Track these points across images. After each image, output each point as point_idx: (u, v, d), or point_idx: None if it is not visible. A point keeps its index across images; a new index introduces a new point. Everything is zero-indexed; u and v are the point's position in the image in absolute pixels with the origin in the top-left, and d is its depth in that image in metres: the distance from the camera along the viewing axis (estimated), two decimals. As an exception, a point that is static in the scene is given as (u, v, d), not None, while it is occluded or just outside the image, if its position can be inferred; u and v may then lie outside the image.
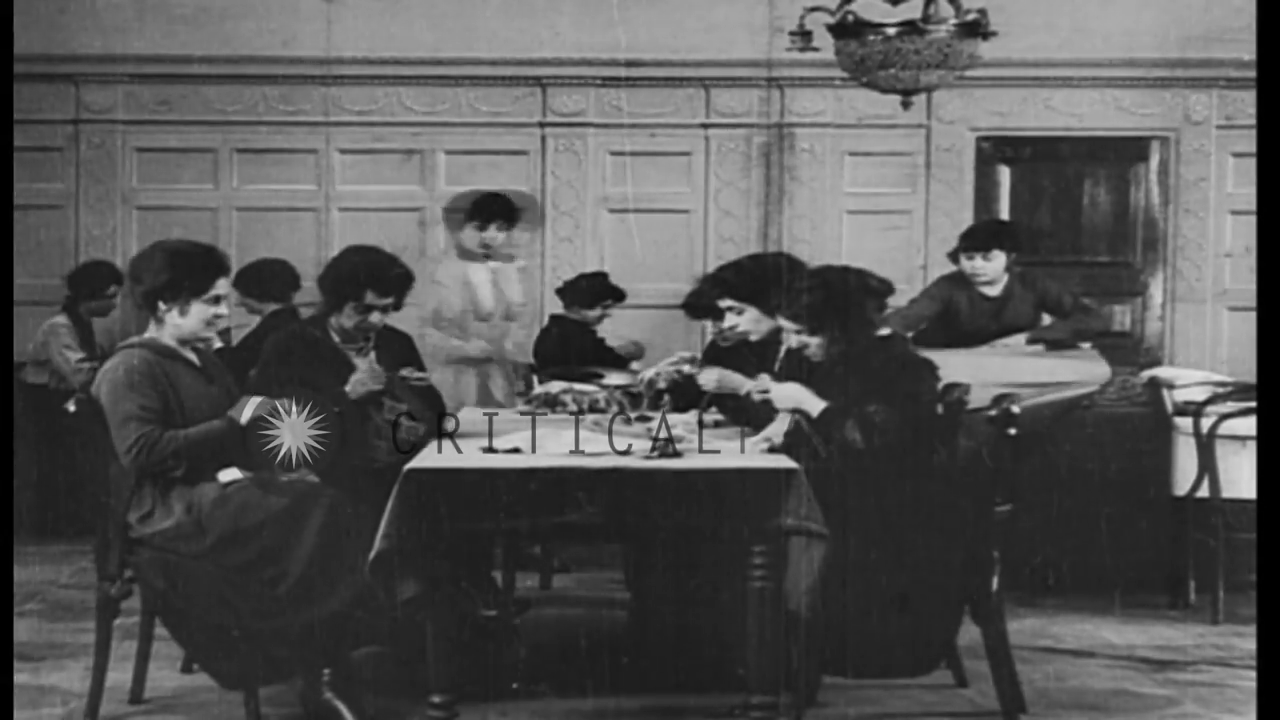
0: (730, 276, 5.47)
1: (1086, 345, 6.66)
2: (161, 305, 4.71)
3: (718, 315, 5.54)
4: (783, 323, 4.93)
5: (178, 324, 4.71)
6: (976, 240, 6.80)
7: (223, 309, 4.77)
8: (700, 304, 5.82)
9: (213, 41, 8.27)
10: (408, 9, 8.30)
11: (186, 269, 4.70)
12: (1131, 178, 8.57)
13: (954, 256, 6.90)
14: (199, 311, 4.71)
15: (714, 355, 5.56)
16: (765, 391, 4.84)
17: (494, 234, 6.88)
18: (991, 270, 6.69)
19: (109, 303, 7.81)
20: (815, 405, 4.70)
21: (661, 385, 5.46)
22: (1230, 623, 5.92)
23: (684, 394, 5.46)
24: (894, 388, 4.68)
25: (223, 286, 4.76)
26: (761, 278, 5.34)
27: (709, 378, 5.30)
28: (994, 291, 6.73)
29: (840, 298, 4.79)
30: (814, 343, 4.82)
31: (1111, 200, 8.59)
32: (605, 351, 7.40)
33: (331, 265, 5.34)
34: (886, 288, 4.94)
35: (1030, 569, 6.15)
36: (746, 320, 5.37)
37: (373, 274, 5.22)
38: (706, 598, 4.92)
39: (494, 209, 6.93)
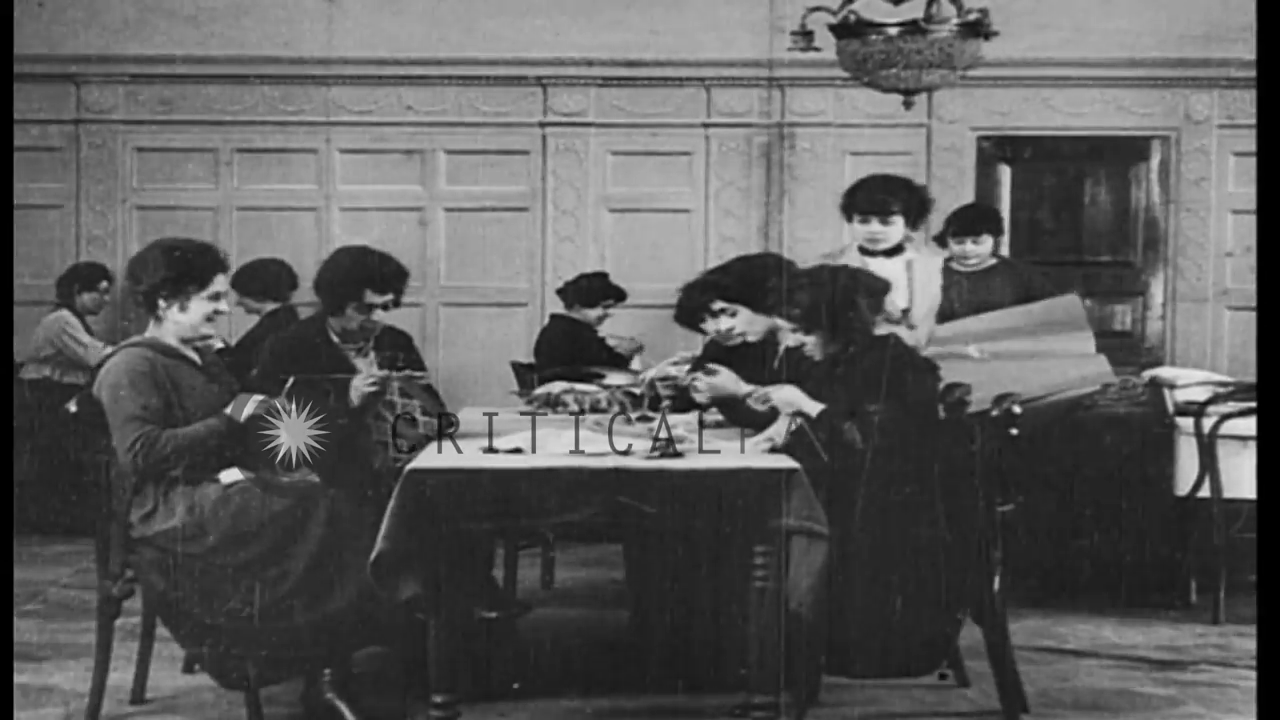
0: (720, 279, 5.46)
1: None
2: (161, 303, 4.70)
3: (705, 319, 5.53)
4: (779, 321, 4.93)
5: (178, 320, 4.71)
6: (965, 224, 6.70)
7: (222, 305, 4.76)
8: (690, 307, 5.73)
9: (213, 41, 8.27)
10: (408, 9, 8.30)
11: (185, 265, 4.70)
12: (1132, 177, 8.57)
13: (940, 240, 6.90)
14: (199, 308, 4.71)
15: (712, 355, 5.55)
16: (766, 399, 4.83)
17: (877, 226, 5.87)
18: (979, 253, 6.62)
19: (101, 298, 7.83)
20: (813, 407, 4.69)
21: (661, 391, 5.44)
22: (1231, 623, 5.92)
23: (682, 396, 5.44)
24: (893, 388, 4.68)
25: (221, 283, 4.75)
26: (752, 278, 5.34)
27: (703, 385, 5.29)
28: (969, 268, 6.66)
29: (833, 297, 4.79)
30: (810, 341, 4.82)
31: (1112, 200, 8.59)
32: (606, 351, 7.40)
33: (326, 268, 5.33)
34: (882, 286, 4.93)
35: (1042, 572, 6.15)
36: (741, 321, 5.36)
37: (369, 273, 5.21)
38: (707, 598, 4.92)
39: (872, 197, 5.92)
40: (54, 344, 7.68)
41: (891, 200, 5.80)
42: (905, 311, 5.85)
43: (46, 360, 7.70)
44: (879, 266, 5.73)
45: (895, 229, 5.82)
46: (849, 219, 5.87)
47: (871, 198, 5.83)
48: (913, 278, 5.92)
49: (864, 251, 5.82)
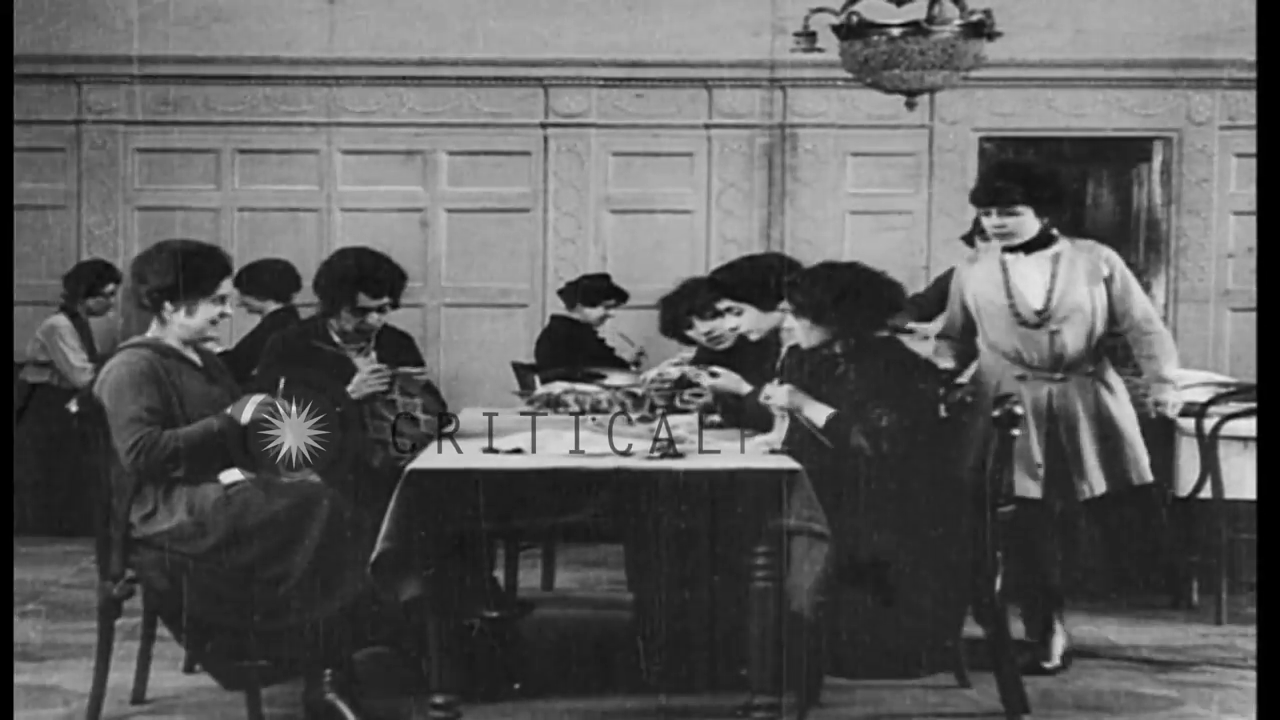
0: (727, 277, 5.45)
1: None
2: (168, 305, 4.71)
3: (694, 324, 5.53)
4: (788, 306, 4.88)
5: (184, 324, 4.72)
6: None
7: (227, 308, 4.79)
8: (672, 316, 5.69)
9: (214, 42, 8.27)
10: (409, 9, 8.29)
11: (194, 270, 4.71)
12: (1134, 178, 8.57)
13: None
14: (205, 312, 4.73)
15: (704, 359, 5.55)
16: (769, 398, 4.83)
17: (997, 219, 5.28)
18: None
19: (106, 301, 7.81)
20: (820, 413, 4.68)
21: (657, 401, 5.43)
22: (1233, 623, 5.92)
23: (671, 402, 5.44)
24: (896, 390, 4.67)
25: (227, 286, 4.78)
26: (758, 277, 5.33)
27: (708, 383, 5.29)
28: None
29: (854, 297, 4.77)
30: (799, 325, 4.80)
31: (1114, 200, 8.58)
32: (607, 352, 7.40)
33: (324, 269, 5.35)
34: (898, 304, 4.91)
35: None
36: (746, 320, 5.36)
37: (364, 276, 5.22)
38: (708, 598, 4.92)
39: (988, 186, 5.34)
40: (47, 351, 7.67)
41: (1010, 189, 5.22)
42: (1039, 313, 5.30)
43: (44, 365, 7.69)
44: (1014, 263, 5.30)
45: (1023, 220, 5.22)
46: (978, 213, 5.44)
47: (987, 187, 5.31)
48: (1055, 275, 5.29)
49: (1003, 248, 5.31)
